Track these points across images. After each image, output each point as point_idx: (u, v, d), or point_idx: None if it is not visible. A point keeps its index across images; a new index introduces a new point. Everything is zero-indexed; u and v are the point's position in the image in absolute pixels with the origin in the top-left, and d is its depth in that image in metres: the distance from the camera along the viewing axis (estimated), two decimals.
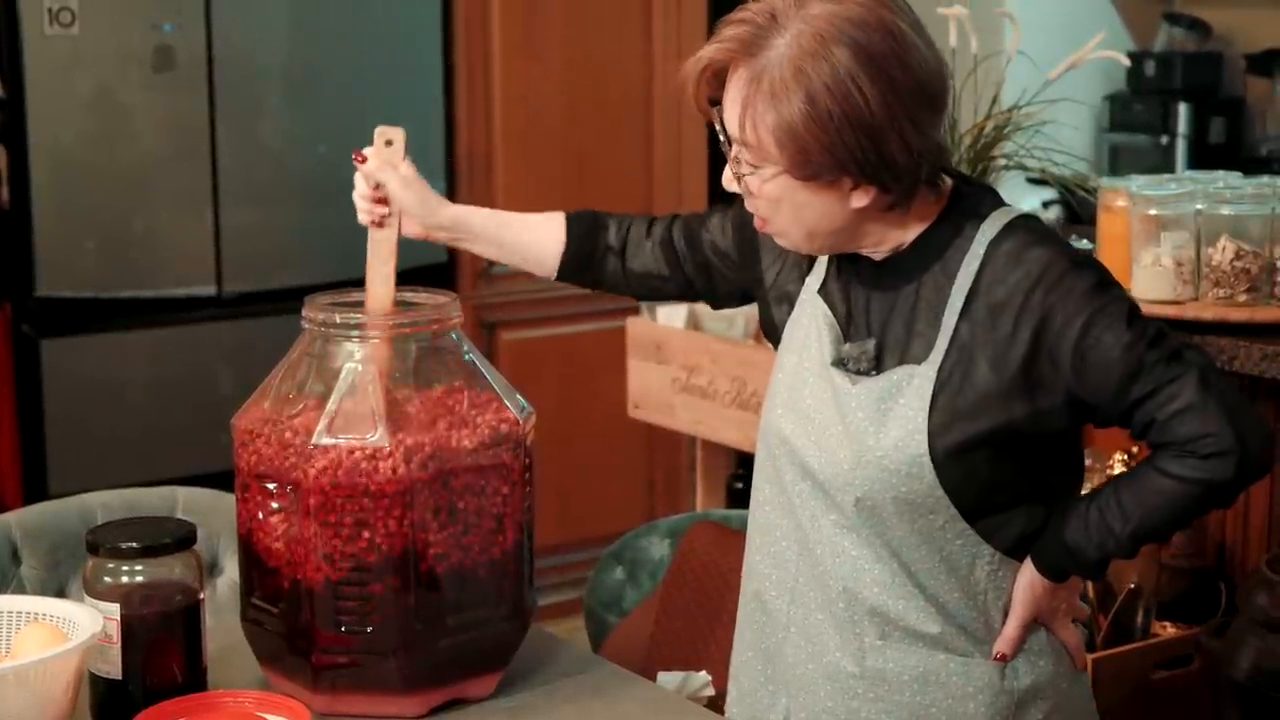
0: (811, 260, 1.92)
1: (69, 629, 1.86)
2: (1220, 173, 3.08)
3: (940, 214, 1.82)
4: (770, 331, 1.99)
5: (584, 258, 2.08)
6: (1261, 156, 5.26)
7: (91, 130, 4.01)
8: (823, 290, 1.89)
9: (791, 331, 1.91)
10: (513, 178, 4.57)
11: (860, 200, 1.76)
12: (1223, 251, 2.80)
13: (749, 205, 1.83)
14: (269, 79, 4.21)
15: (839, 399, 1.81)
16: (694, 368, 3.58)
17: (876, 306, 1.84)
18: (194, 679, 1.93)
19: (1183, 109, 5.43)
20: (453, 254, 4.47)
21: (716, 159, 4.91)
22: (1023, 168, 3.23)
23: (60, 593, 2.41)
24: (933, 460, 1.76)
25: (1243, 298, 2.79)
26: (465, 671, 1.98)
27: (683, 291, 2.10)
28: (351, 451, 1.88)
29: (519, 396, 2.03)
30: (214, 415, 3.15)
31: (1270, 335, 2.70)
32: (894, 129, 1.71)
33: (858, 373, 1.82)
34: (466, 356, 2.01)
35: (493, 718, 1.97)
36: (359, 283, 2.03)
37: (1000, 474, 1.79)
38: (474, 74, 4.50)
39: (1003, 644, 1.84)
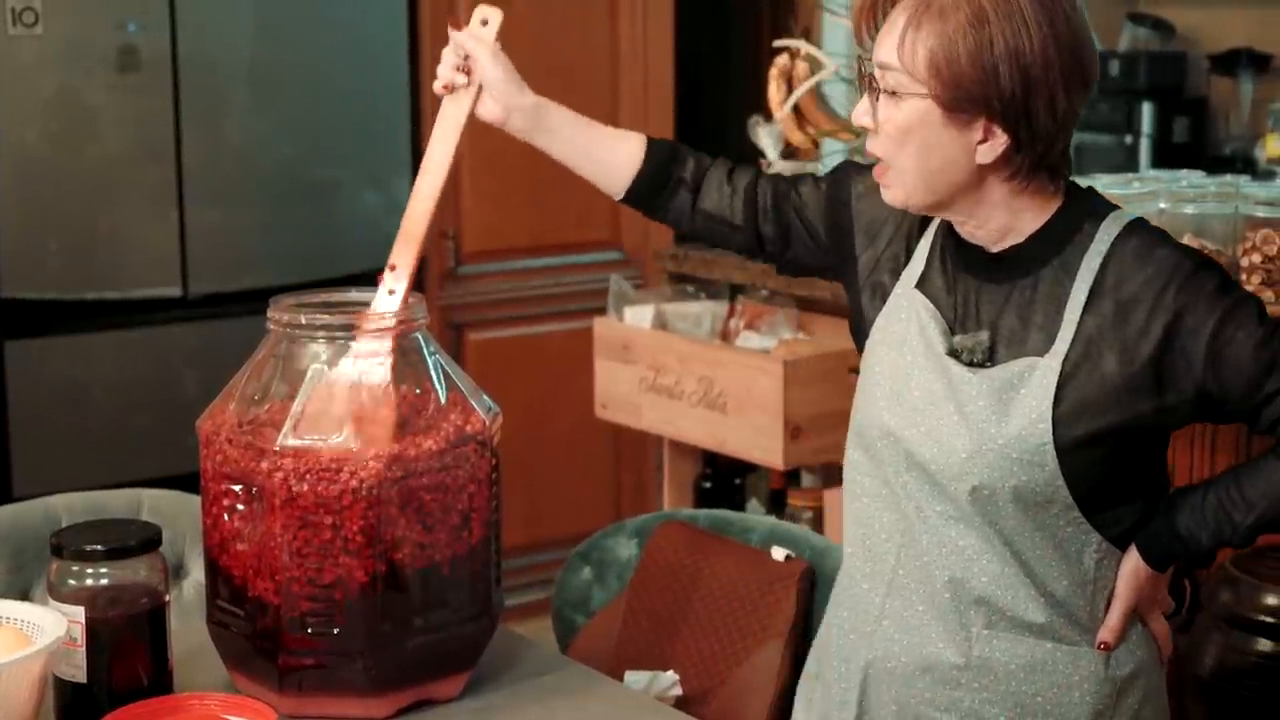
0: (909, 251, 1.91)
1: (33, 632, 1.85)
2: (1184, 172, 3.10)
3: (1058, 210, 1.82)
4: (858, 323, 1.97)
5: (657, 185, 2.06)
6: (1225, 156, 5.28)
7: (55, 131, 3.98)
8: (921, 284, 1.88)
9: (886, 326, 1.90)
10: (479, 174, 4.56)
11: (987, 155, 1.76)
12: None
13: (873, 146, 1.81)
14: (234, 79, 4.19)
15: (955, 388, 1.81)
16: (661, 368, 3.58)
17: (988, 299, 1.84)
18: (160, 682, 1.93)
19: (1146, 108, 5.46)
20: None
21: None
22: None
23: (24, 596, 2.40)
24: (1057, 450, 1.77)
25: None
26: (432, 672, 1.98)
27: (749, 246, 2.07)
28: (317, 453, 1.88)
29: (486, 397, 2.03)
30: (179, 417, 3.14)
31: None
32: (1046, 81, 1.72)
33: (971, 364, 1.82)
34: (433, 357, 2.00)
35: (460, 718, 1.97)
36: (325, 283, 2.03)
37: (1118, 467, 1.81)
38: None
39: (1106, 633, 1.85)
